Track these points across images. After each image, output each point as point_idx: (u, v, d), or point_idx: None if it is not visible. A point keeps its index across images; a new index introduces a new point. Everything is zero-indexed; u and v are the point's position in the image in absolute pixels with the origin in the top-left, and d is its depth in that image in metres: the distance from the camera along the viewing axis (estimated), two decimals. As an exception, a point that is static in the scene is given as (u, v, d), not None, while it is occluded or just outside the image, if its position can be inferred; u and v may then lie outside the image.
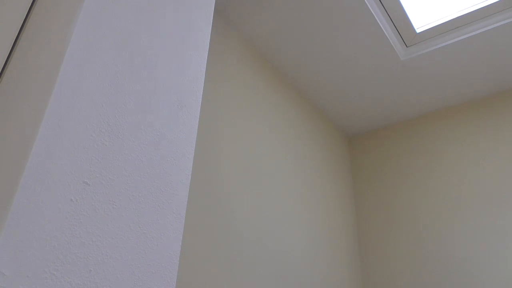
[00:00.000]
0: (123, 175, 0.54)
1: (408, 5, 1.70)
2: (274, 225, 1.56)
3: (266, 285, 1.41)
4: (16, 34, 0.61)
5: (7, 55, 0.59)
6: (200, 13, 0.80)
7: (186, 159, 0.65)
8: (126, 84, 0.59)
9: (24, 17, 0.63)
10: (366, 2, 1.59)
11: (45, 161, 0.45)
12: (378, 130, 2.37)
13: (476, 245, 1.78)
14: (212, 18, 0.92)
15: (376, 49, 1.81)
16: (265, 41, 1.79)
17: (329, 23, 1.69)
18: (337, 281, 1.81)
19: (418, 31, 1.80)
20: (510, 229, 1.73)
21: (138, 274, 0.52)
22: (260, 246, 1.45)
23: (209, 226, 1.26)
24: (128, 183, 0.54)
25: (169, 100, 0.65)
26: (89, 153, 0.50)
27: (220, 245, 1.28)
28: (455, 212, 1.89)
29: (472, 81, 1.98)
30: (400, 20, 1.74)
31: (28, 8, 0.63)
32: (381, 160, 2.26)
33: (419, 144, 2.16)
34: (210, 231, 1.26)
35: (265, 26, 1.72)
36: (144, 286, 0.52)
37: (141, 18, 0.65)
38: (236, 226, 1.37)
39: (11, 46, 0.60)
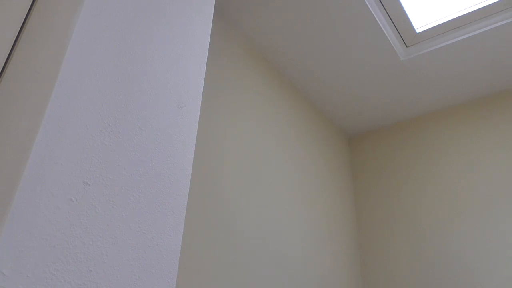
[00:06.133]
0: (123, 175, 0.54)
1: (408, 5, 1.70)
2: (274, 225, 1.56)
3: (266, 284, 1.41)
4: (16, 34, 0.61)
5: (7, 55, 0.59)
6: (200, 13, 0.80)
7: (186, 159, 0.65)
8: (126, 84, 0.59)
9: (24, 17, 0.63)
10: (366, 2, 1.59)
11: (45, 161, 0.45)
12: (378, 130, 2.37)
13: (476, 244, 1.78)
14: (212, 18, 0.92)
15: (376, 49, 1.81)
16: (265, 41, 1.79)
17: (329, 23, 1.69)
18: (337, 281, 1.81)
19: (418, 31, 1.80)
20: (510, 228, 1.73)
21: (138, 274, 0.52)
22: (260, 246, 1.45)
23: (209, 226, 1.26)
24: (128, 183, 0.54)
25: (169, 100, 0.65)
26: (89, 153, 0.50)
27: (220, 245, 1.28)
28: (455, 212, 1.89)
29: (472, 81, 1.98)
30: (400, 20, 1.74)
31: (28, 8, 0.63)
32: (381, 160, 2.26)
33: (419, 144, 2.16)
34: (210, 231, 1.26)
35: (265, 26, 1.72)
36: (144, 286, 0.52)
37: (141, 18, 0.65)
38: (236, 226, 1.37)
39: (11, 46, 0.60)
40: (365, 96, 2.12)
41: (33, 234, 0.42)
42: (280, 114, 1.85)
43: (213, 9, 0.84)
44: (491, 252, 1.73)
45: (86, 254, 0.47)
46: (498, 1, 1.63)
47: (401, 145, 2.23)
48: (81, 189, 0.48)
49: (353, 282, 1.94)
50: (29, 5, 0.64)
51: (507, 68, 1.89)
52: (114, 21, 0.60)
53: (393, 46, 1.79)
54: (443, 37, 1.79)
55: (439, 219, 1.93)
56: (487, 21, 1.69)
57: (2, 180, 0.44)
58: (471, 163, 1.95)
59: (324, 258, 1.78)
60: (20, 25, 0.62)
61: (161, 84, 0.65)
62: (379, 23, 1.68)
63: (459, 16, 1.71)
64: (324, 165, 2.07)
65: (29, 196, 0.43)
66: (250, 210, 1.46)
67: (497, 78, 1.96)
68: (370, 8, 1.62)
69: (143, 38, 0.64)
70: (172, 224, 0.59)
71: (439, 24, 1.75)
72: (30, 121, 0.48)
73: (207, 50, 0.79)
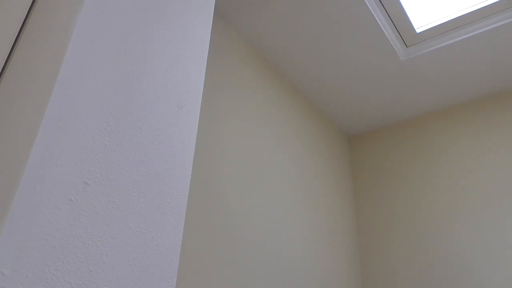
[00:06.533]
0: (123, 175, 0.54)
1: (408, 5, 1.70)
2: (274, 225, 1.56)
3: (266, 284, 1.41)
4: (16, 34, 0.61)
5: (7, 55, 0.59)
6: (200, 13, 0.80)
7: (186, 159, 0.65)
8: (126, 84, 0.59)
9: (24, 17, 0.63)
10: (366, 2, 1.59)
11: (45, 161, 0.45)
12: (378, 130, 2.37)
13: (476, 244, 1.78)
14: (212, 18, 0.92)
15: (376, 49, 1.81)
16: (265, 41, 1.79)
17: (329, 23, 1.69)
18: (337, 281, 1.81)
19: (418, 31, 1.80)
20: (510, 228, 1.73)
21: (138, 274, 0.52)
22: (260, 246, 1.45)
23: (209, 226, 1.26)
24: (128, 183, 0.54)
25: (169, 100, 0.65)
26: (89, 153, 0.50)
27: (220, 245, 1.28)
28: (455, 212, 1.89)
29: (472, 81, 1.98)
30: (400, 20, 1.74)
31: (28, 8, 0.63)
32: (381, 160, 2.26)
33: (419, 144, 2.16)
34: (210, 231, 1.26)
35: (265, 26, 1.72)
36: (144, 286, 0.52)
37: (141, 18, 0.65)
38: (236, 226, 1.37)
39: (11, 46, 0.60)
40: (365, 96, 2.12)
41: (33, 234, 0.42)
42: (280, 114, 1.85)
43: (213, 9, 0.84)
44: (491, 252, 1.73)
45: (86, 254, 0.47)
46: (498, 1, 1.63)
47: (401, 145, 2.23)
48: (81, 189, 0.48)
49: (353, 282, 1.94)
50: (29, 5, 0.64)
51: (507, 68, 1.89)
52: (114, 21, 0.60)
53: (393, 46, 1.79)
54: (443, 37, 1.79)
55: (439, 219, 1.93)
56: (487, 21, 1.69)
57: (2, 180, 0.44)
58: (471, 163, 1.95)
59: (324, 258, 1.78)
60: (20, 25, 0.62)
61: (161, 84, 0.65)
62: (379, 23, 1.68)
63: (459, 16, 1.71)
64: (324, 165, 2.07)
65: (29, 196, 0.43)
66: (250, 210, 1.46)
67: (497, 78, 1.96)
68: (370, 8, 1.62)
69: (143, 38, 0.64)
70: (172, 224, 0.59)
71: (439, 24, 1.75)
72: (30, 121, 0.48)
73: (207, 50, 0.79)
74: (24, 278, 0.40)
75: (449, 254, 1.83)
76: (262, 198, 1.54)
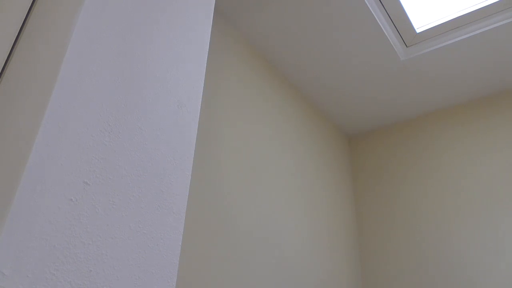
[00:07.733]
0: (123, 175, 0.54)
1: (408, 5, 1.70)
2: (274, 225, 1.56)
3: (266, 285, 1.41)
4: (16, 34, 0.61)
5: (7, 55, 0.59)
6: (200, 13, 0.80)
7: (186, 159, 0.65)
8: (126, 84, 0.59)
9: (24, 17, 0.63)
10: (366, 2, 1.59)
11: (45, 161, 0.45)
12: (378, 130, 2.37)
13: (476, 245, 1.78)
14: (212, 18, 0.92)
15: (376, 49, 1.81)
16: (265, 41, 1.79)
17: (329, 23, 1.69)
18: (337, 281, 1.81)
19: (418, 31, 1.80)
20: (510, 229, 1.73)
21: (138, 274, 0.52)
22: (260, 246, 1.45)
23: (209, 226, 1.26)
24: (128, 183, 0.54)
25: (169, 100, 0.65)
26: (89, 153, 0.50)
27: (220, 245, 1.28)
28: (455, 212, 1.89)
29: (472, 81, 1.98)
30: (400, 20, 1.74)
31: (28, 8, 0.63)
32: (381, 160, 2.26)
33: (419, 144, 2.16)
34: (210, 231, 1.26)
35: (265, 26, 1.72)
36: (144, 286, 0.52)
37: (141, 18, 0.65)
38: (236, 226, 1.37)
39: (11, 46, 0.60)
40: (365, 96, 2.12)
41: (33, 234, 0.42)
42: (280, 114, 1.85)
43: (213, 9, 0.85)
44: (491, 253, 1.73)
45: (86, 254, 0.47)
46: (498, 1, 1.63)
47: (401, 145, 2.23)
48: (81, 189, 0.48)
49: (353, 282, 1.94)
50: (29, 5, 0.64)
51: (507, 68, 1.89)
52: (114, 21, 0.60)
53: (393, 46, 1.79)
54: (443, 37, 1.79)
55: (439, 218, 1.93)
56: (487, 21, 1.69)
57: (2, 180, 0.44)
58: (471, 163, 1.95)
59: (324, 258, 1.78)
60: (20, 25, 0.62)
61: (161, 84, 0.65)
62: (379, 23, 1.68)
63: (459, 16, 1.71)
64: (324, 165, 2.07)
65: (29, 196, 0.43)
66: (250, 210, 1.46)
67: (497, 78, 1.96)
68: (370, 8, 1.62)
69: (143, 38, 0.64)
70: (172, 224, 0.59)
71: (439, 24, 1.75)
72: (30, 121, 0.48)
73: (207, 50, 0.79)
74: (24, 278, 0.40)
75: (449, 254, 1.83)
76: (262, 198, 1.54)
